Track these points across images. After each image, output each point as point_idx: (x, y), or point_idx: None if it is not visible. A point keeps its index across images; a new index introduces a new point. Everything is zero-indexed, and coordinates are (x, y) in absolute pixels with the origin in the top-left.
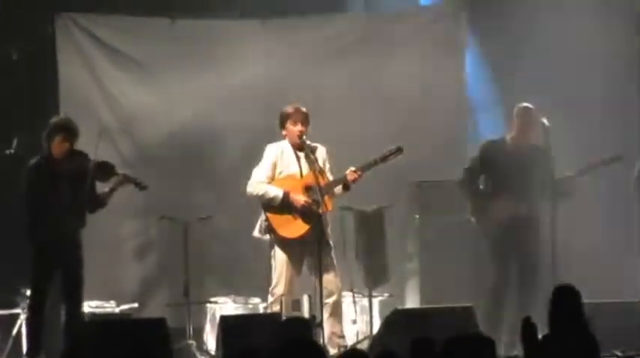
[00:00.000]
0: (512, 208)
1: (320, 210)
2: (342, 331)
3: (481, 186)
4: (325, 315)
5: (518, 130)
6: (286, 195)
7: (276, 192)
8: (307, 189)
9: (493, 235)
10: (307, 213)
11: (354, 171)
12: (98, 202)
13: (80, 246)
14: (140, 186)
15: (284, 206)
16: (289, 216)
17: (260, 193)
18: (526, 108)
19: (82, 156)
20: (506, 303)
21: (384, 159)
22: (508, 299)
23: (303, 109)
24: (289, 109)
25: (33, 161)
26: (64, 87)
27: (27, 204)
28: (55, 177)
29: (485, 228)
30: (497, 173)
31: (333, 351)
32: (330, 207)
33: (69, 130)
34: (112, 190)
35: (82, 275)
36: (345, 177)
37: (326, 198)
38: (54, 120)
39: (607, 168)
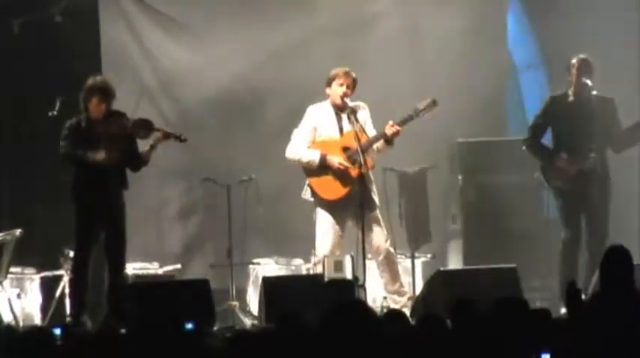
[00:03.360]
0: (578, 163)
1: (357, 171)
2: (396, 286)
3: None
4: (380, 278)
5: (577, 83)
6: (323, 157)
7: (312, 155)
8: (345, 150)
9: (560, 192)
10: (344, 175)
11: (392, 126)
12: (140, 160)
13: (123, 207)
14: (180, 139)
15: (322, 168)
16: (329, 178)
17: (297, 157)
18: (582, 59)
19: (120, 115)
20: (579, 258)
21: (420, 112)
22: (582, 254)
23: (353, 74)
24: (340, 71)
25: (71, 121)
26: (106, 48)
27: (66, 164)
28: (94, 137)
29: (554, 185)
30: (561, 128)
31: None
32: (369, 166)
33: (104, 91)
34: (153, 146)
35: (125, 236)
36: (384, 132)
37: (367, 157)
38: (89, 81)
39: None
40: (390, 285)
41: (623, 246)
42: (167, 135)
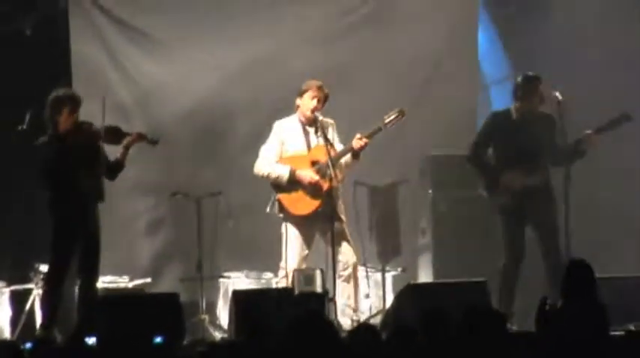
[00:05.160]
0: (522, 179)
1: (327, 184)
2: (356, 304)
3: (491, 160)
4: (339, 288)
5: (522, 100)
6: (292, 172)
7: (281, 170)
8: (314, 164)
9: (504, 209)
10: (315, 189)
11: (359, 139)
12: (116, 166)
13: (99, 220)
14: (152, 141)
15: (292, 183)
16: (300, 193)
17: (266, 173)
18: (527, 77)
19: (89, 125)
20: (519, 278)
21: (387, 124)
22: (521, 273)
23: (326, 90)
24: (313, 84)
25: (44, 139)
26: (77, 62)
27: (47, 182)
28: (69, 150)
29: (497, 202)
30: (504, 145)
31: (346, 324)
32: (338, 180)
33: (74, 101)
34: (127, 149)
35: (100, 249)
36: (351, 145)
37: (336, 170)
38: (55, 94)
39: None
40: (352, 301)
41: (584, 259)
42: (140, 136)
